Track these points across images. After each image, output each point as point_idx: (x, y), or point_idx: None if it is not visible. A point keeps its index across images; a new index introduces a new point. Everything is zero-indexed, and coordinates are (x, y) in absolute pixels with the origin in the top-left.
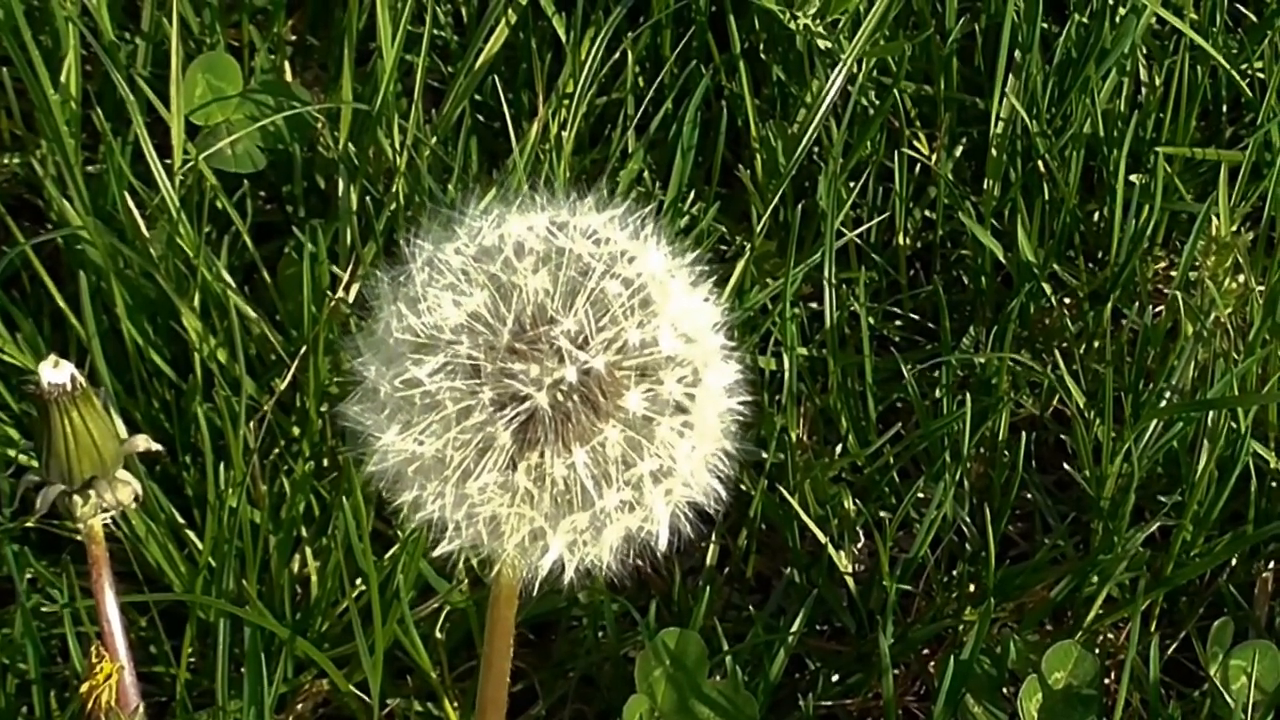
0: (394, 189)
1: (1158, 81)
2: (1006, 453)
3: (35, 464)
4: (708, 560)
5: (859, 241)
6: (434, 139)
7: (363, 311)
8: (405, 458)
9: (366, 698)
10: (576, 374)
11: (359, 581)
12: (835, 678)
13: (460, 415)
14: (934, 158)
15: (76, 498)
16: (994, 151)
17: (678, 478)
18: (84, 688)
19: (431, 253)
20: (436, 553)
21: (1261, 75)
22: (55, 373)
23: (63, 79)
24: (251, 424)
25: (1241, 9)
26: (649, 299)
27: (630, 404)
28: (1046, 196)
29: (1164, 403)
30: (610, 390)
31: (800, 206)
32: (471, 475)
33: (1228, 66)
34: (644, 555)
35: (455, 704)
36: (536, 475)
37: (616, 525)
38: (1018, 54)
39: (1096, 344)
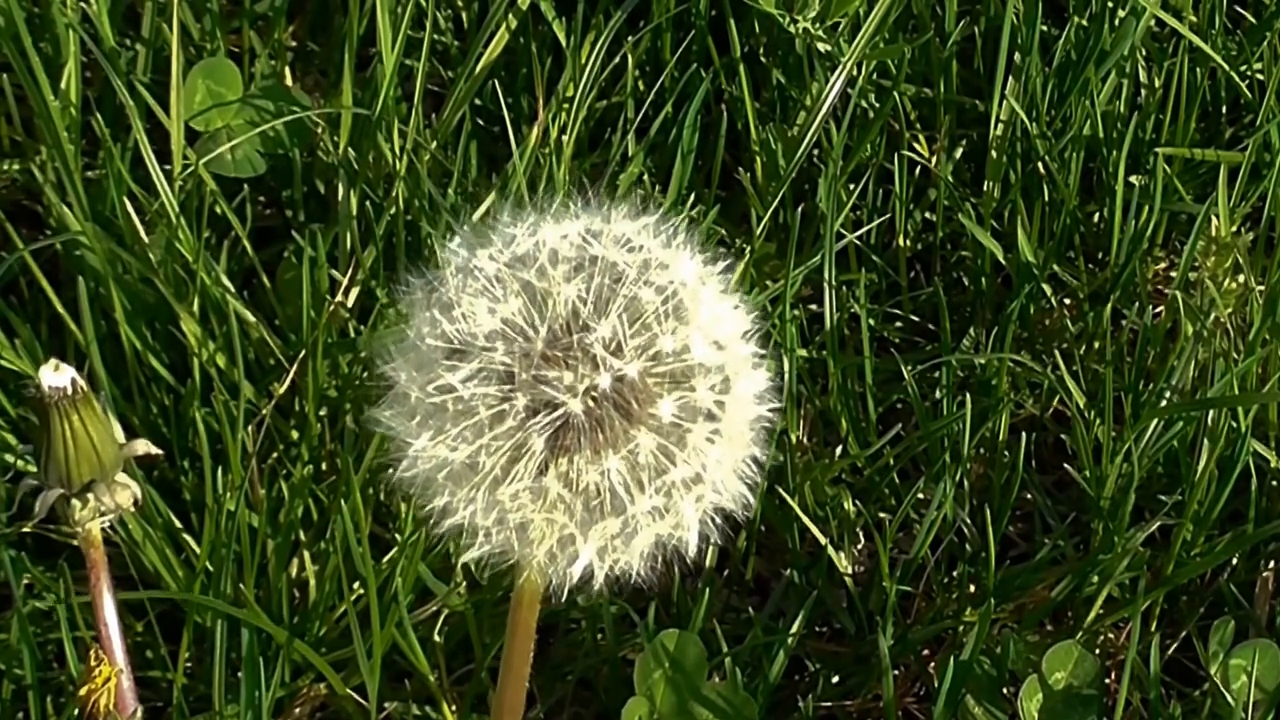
0: (394, 193)
1: (1157, 83)
2: (1006, 453)
3: (33, 468)
4: (707, 562)
5: (859, 243)
6: (434, 143)
7: (361, 317)
8: (436, 463)
9: (364, 701)
10: (610, 381)
11: (357, 585)
12: (835, 679)
13: (493, 421)
14: (934, 160)
15: (75, 502)
16: (994, 153)
17: (708, 484)
18: (82, 691)
19: (465, 259)
20: (465, 558)
21: (1260, 76)
22: (56, 377)
23: (63, 85)
24: (250, 428)
25: (1240, 11)
26: (681, 306)
27: (662, 411)
28: (1046, 198)
29: (1164, 402)
30: (643, 397)
31: (800, 209)
32: (503, 481)
33: (1227, 68)
34: (670, 559)
35: (453, 707)
36: (568, 482)
37: (647, 532)
38: (1017, 56)
39: (1096, 344)
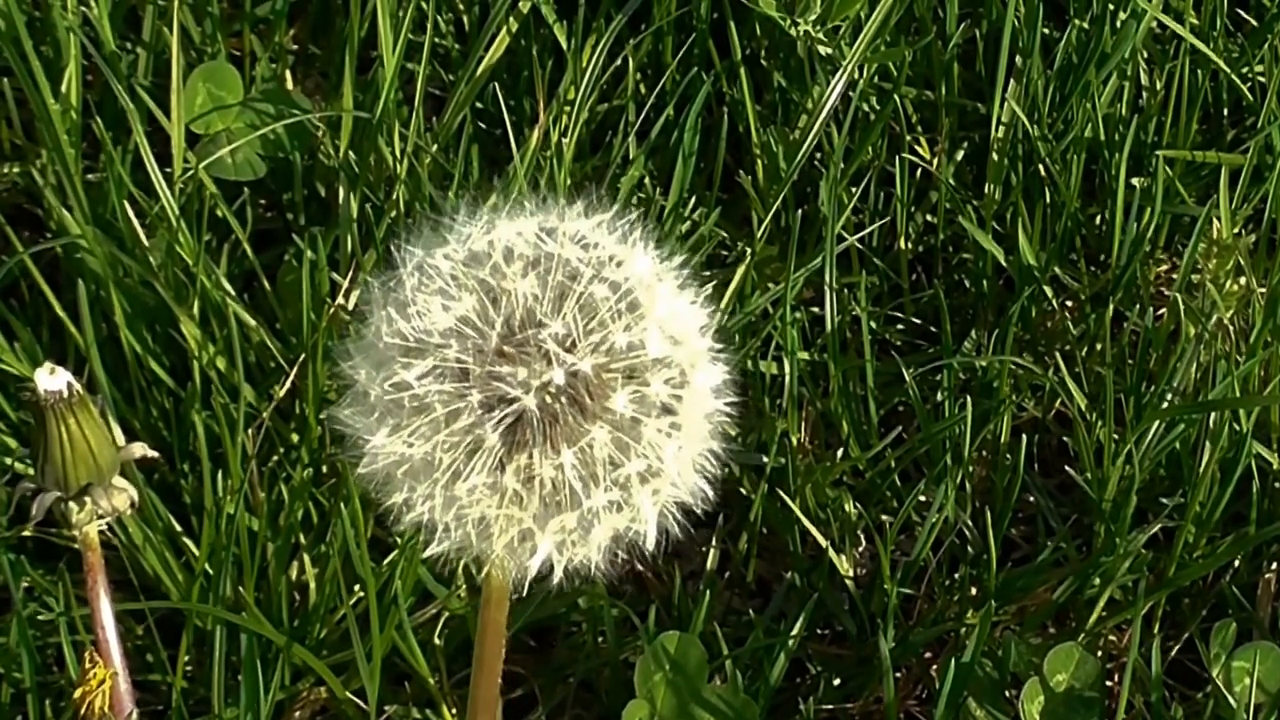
0: (394, 196)
1: (1158, 85)
2: (1008, 455)
3: (32, 471)
4: (708, 564)
5: (860, 246)
6: (435, 146)
7: (362, 319)
8: (395, 460)
9: (364, 704)
10: (564, 376)
11: (357, 588)
12: (836, 681)
13: (449, 418)
14: (935, 162)
15: (72, 504)
16: (995, 156)
17: (665, 478)
18: (77, 693)
19: (421, 258)
20: (426, 554)
21: (1262, 79)
22: (52, 380)
23: (63, 89)
24: (250, 431)
25: (1242, 13)
26: (636, 302)
27: (617, 405)
28: (1048, 200)
29: (1166, 404)
30: (597, 392)
31: (801, 211)
32: (460, 477)
33: (1228, 70)
34: (637, 557)
35: (453, 710)
36: (525, 476)
37: (604, 525)
38: (1018, 59)
39: (1098, 346)
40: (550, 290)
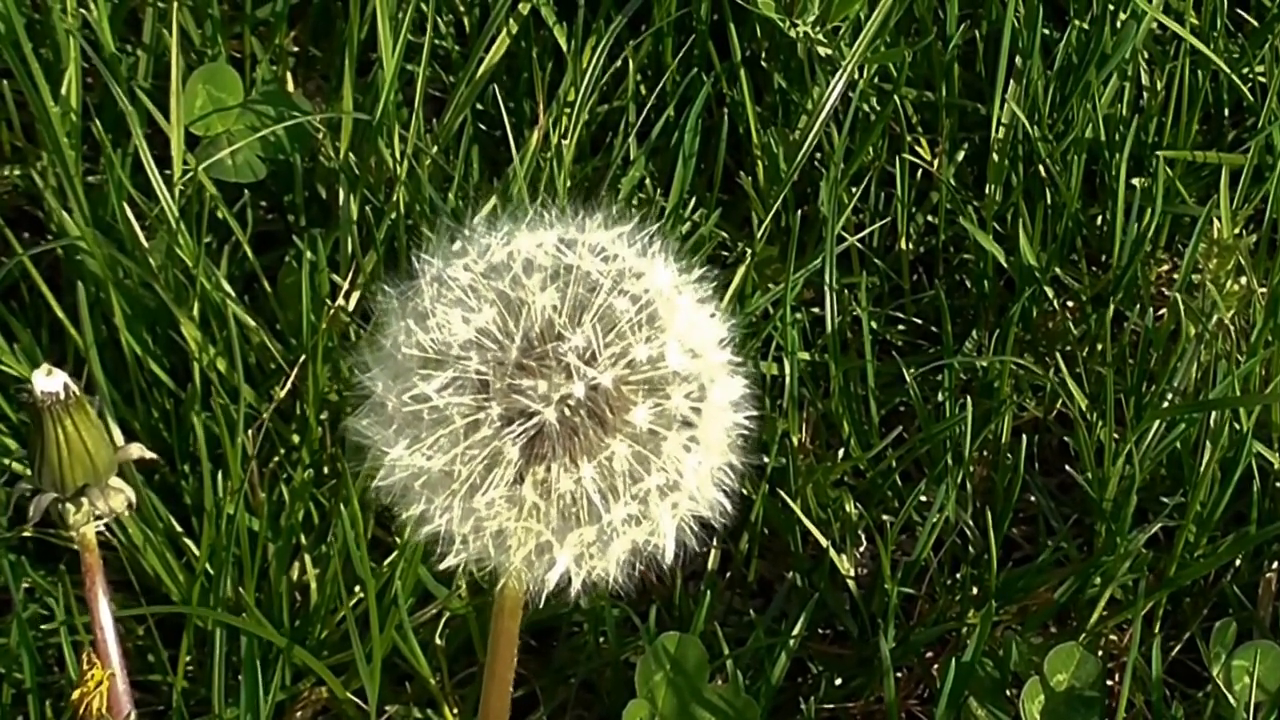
0: (395, 198)
1: (1159, 86)
2: (1009, 455)
3: (30, 473)
4: (709, 565)
5: (861, 246)
6: (435, 148)
7: (363, 320)
8: (413, 472)
9: (365, 705)
10: (584, 389)
11: (357, 589)
12: (837, 681)
13: (468, 430)
14: (935, 163)
15: (69, 505)
16: (995, 156)
17: (684, 491)
18: (75, 694)
19: (440, 269)
20: (443, 566)
21: (1263, 79)
22: (48, 381)
23: (63, 91)
24: (250, 432)
25: (1242, 14)
26: (656, 315)
27: (637, 419)
28: (1048, 201)
29: (1166, 404)
30: (617, 405)
31: (801, 212)
32: (479, 489)
33: (1228, 71)
34: (649, 565)
35: (455, 710)
36: (544, 489)
37: (623, 539)
38: (1019, 60)
39: (1099, 347)
40: (570, 303)
